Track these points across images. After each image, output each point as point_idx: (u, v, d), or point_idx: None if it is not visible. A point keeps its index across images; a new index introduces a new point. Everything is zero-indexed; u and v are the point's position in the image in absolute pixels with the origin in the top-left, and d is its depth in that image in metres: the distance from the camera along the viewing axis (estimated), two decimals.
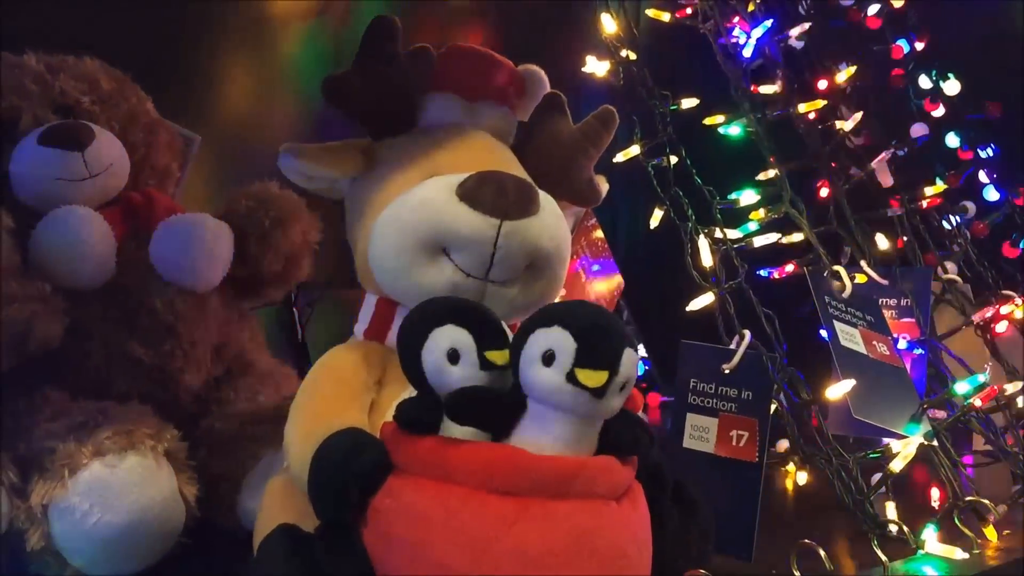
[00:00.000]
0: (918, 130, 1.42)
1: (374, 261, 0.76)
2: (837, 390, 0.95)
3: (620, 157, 1.09)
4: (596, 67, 1.18)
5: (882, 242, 1.25)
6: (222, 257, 0.96)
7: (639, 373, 1.62)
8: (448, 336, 0.62)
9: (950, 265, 1.30)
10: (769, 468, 0.97)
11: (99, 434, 0.79)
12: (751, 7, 1.25)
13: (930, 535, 0.92)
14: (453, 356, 0.62)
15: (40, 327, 0.84)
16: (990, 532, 0.95)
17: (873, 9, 1.42)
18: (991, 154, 1.46)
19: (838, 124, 1.27)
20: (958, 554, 0.90)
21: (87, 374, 0.90)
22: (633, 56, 1.13)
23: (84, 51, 1.02)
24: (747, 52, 1.18)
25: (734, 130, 1.14)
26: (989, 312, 1.19)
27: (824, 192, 1.26)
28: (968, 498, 0.96)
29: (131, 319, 0.92)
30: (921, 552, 0.91)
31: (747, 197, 1.11)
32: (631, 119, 1.08)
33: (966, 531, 0.93)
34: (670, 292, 1.06)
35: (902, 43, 1.45)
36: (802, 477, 1.13)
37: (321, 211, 1.03)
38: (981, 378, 1.02)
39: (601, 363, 0.59)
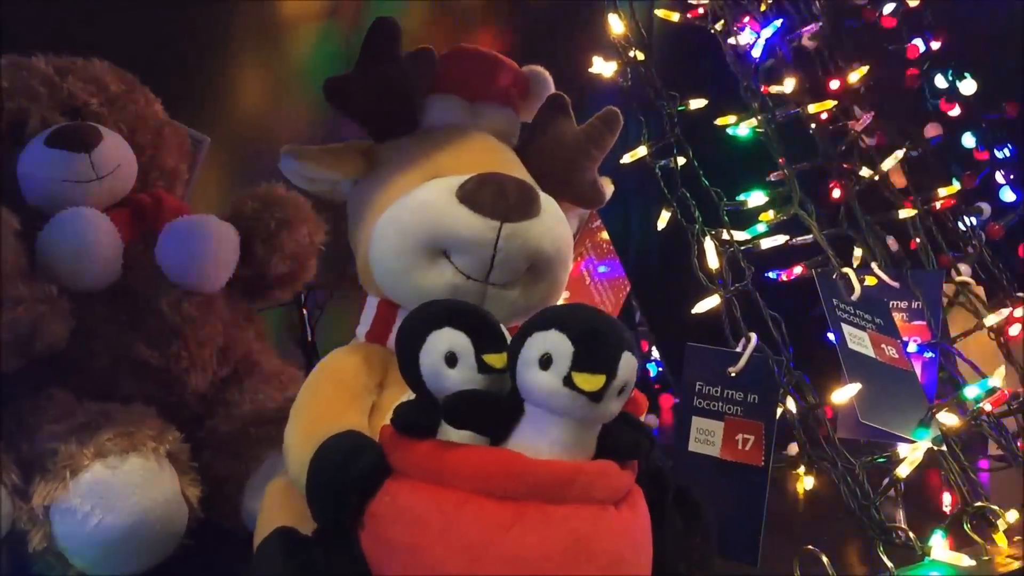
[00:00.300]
0: (932, 130, 1.40)
1: (375, 263, 0.76)
2: (843, 394, 0.94)
3: (627, 158, 1.08)
4: (603, 68, 1.17)
5: (893, 244, 1.23)
6: (228, 259, 0.96)
7: (652, 375, 1.62)
8: (446, 339, 0.62)
9: (964, 267, 1.28)
10: (776, 472, 0.96)
11: (101, 435, 0.79)
12: (763, 7, 1.24)
13: (938, 541, 0.91)
14: (451, 359, 0.62)
15: (46, 328, 0.84)
16: (1000, 539, 0.94)
17: (888, 8, 1.40)
18: (1007, 154, 1.44)
19: (850, 124, 1.26)
20: (965, 561, 0.89)
21: (93, 375, 0.91)
22: (641, 56, 1.12)
23: (94, 53, 1.02)
24: (756, 52, 1.17)
25: (743, 131, 1.13)
26: (1003, 315, 1.17)
27: (836, 193, 1.25)
28: (977, 504, 0.95)
29: (137, 321, 0.92)
30: (928, 559, 0.90)
31: (755, 199, 1.10)
32: (639, 120, 1.08)
33: (975, 537, 0.92)
34: (682, 294, 1.05)
35: (917, 42, 1.43)
36: (809, 481, 1.12)
37: (328, 213, 1.03)
38: (991, 382, 1.01)
39: (598, 367, 0.59)
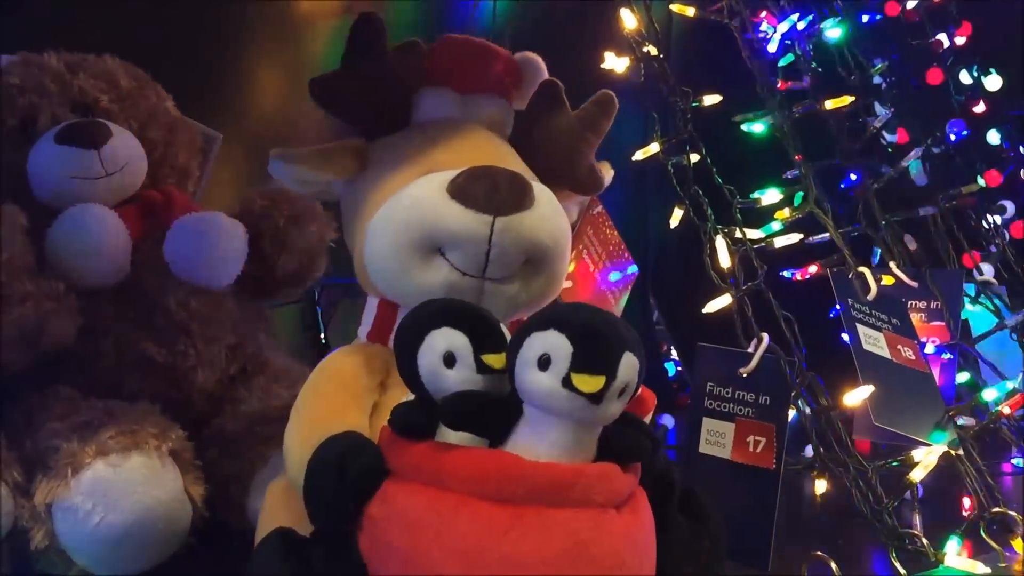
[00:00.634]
0: (955, 127, 1.38)
1: (370, 263, 0.75)
2: (855, 396, 0.92)
3: (640, 155, 1.07)
4: (615, 63, 1.16)
5: (912, 243, 1.21)
6: (236, 256, 0.96)
7: (671, 375, 1.60)
8: (444, 339, 0.61)
9: (986, 267, 1.26)
10: (790, 475, 0.95)
11: (103, 433, 0.79)
12: (781, 1, 1.22)
13: (952, 547, 0.89)
14: (449, 359, 0.61)
15: (53, 326, 0.84)
16: (1018, 545, 0.92)
17: (912, 3, 1.38)
18: None
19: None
20: (980, 568, 0.87)
21: (100, 373, 0.91)
22: (655, 52, 1.10)
23: (106, 50, 1.02)
24: (772, 47, 1.15)
25: (758, 127, 1.12)
26: None
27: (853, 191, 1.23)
28: (995, 509, 0.93)
29: (145, 318, 0.92)
30: (942, 565, 0.88)
31: (770, 196, 1.09)
32: (652, 116, 1.07)
33: (992, 544, 0.90)
34: (699, 293, 1.04)
35: (941, 37, 1.41)
36: (822, 485, 1.10)
37: (336, 210, 1.03)
38: (1010, 384, 0.99)
39: (598, 368, 0.58)
